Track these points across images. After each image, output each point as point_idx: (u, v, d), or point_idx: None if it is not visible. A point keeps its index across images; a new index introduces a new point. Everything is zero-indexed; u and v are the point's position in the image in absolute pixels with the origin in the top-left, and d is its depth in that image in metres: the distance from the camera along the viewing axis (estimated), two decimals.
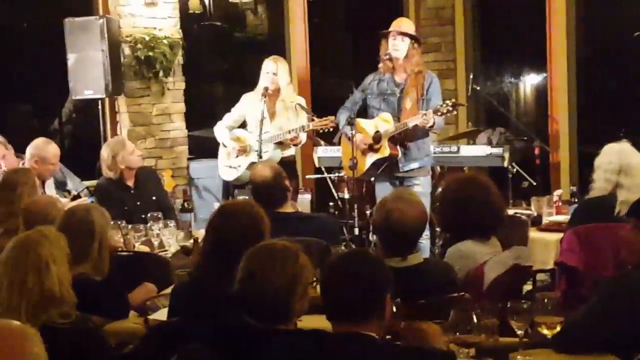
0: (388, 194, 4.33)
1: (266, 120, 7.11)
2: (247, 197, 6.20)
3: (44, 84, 9.51)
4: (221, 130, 7.45)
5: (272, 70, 7.23)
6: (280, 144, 7.25)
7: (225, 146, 7.41)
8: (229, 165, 7.41)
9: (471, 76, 8.76)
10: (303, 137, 7.24)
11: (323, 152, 8.18)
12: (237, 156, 7.36)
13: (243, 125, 7.48)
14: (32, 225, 4.13)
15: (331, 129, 7.07)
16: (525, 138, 8.21)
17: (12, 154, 7.13)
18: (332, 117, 6.93)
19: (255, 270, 3.22)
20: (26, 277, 3.53)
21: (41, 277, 3.54)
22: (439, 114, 6.39)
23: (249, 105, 7.33)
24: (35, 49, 9.60)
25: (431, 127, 6.47)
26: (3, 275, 3.60)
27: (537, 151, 7.95)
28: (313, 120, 7.06)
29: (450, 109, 6.38)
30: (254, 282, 3.20)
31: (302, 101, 7.45)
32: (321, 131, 7.13)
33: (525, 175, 7.66)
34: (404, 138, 6.62)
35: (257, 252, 3.29)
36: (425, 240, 6.65)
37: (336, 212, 8.03)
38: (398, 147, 6.63)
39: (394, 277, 3.29)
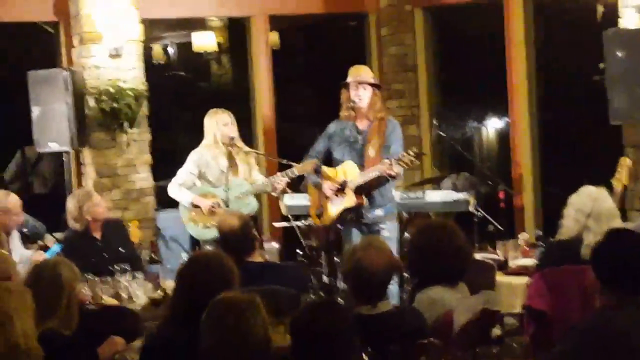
0: (357, 242, 4.36)
1: (230, 172, 7.11)
2: (214, 248, 6.20)
3: (7, 136, 9.49)
4: (182, 190, 7.27)
5: (230, 121, 7.25)
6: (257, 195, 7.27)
7: (196, 206, 7.28)
8: (205, 225, 7.26)
9: (435, 122, 8.83)
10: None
11: (290, 199, 8.17)
12: (211, 214, 7.18)
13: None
14: None
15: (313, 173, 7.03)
16: (490, 182, 8.28)
17: None
18: (315, 161, 6.90)
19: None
20: None
21: (5, 331, 3.53)
22: (401, 163, 6.43)
23: (206, 161, 7.27)
24: None
25: (394, 176, 6.53)
26: None
27: (501, 195, 8.02)
28: (292, 165, 7.04)
29: (413, 159, 6.41)
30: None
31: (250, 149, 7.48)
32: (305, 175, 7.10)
33: (491, 219, 7.71)
34: (368, 186, 6.67)
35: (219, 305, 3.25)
36: (393, 285, 6.68)
37: (305, 260, 8.02)
38: (363, 195, 6.67)
39: (364, 324, 3.31)
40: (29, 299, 3.78)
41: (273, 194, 7.31)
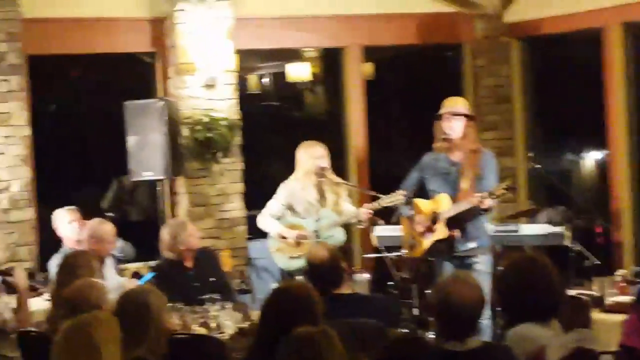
0: (445, 276, 4.28)
1: (319, 203, 7.13)
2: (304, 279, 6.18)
3: (105, 166, 9.66)
4: (270, 221, 7.38)
5: (323, 154, 7.27)
6: (344, 225, 7.26)
7: (284, 237, 7.36)
8: (291, 256, 7.33)
9: (530, 154, 8.70)
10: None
11: (382, 231, 8.12)
12: (297, 245, 7.32)
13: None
14: (74, 312, 4.15)
15: (400, 204, 7.00)
16: (587, 216, 8.10)
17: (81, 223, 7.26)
18: (402, 192, 6.89)
19: None
20: None
21: None
22: (493, 197, 6.37)
23: (294, 192, 7.32)
24: (97, 131, 9.77)
25: (487, 209, 6.45)
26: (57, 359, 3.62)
27: (599, 229, 7.83)
28: (379, 197, 7.04)
29: (504, 192, 6.35)
30: None
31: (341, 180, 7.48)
32: (393, 207, 7.08)
33: (588, 254, 7.54)
34: (460, 218, 6.58)
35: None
36: (486, 321, 6.57)
37: (396, 292, 7.94)
38: (455, 227, 6.60)
39: None
40: (117, 327, 3.79)
41: (359, 226, 7.32)
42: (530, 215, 8.36)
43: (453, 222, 6.59)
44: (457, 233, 6.61)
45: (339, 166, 8.41)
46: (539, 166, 8.61)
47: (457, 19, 9.35)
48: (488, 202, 6.39)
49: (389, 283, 8.06)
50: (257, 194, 8.74)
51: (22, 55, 7.76)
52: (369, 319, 4.90)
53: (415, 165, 7.00)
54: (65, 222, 7.26)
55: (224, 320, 5.68)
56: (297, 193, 7.30)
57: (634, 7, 8.18)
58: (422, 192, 6.93)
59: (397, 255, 7.86)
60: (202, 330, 5.55)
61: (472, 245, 6.66)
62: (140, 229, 9.34)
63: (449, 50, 9.88)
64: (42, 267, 7.49)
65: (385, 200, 6.98)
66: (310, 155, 7.26)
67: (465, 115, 6.77)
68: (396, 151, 10.68)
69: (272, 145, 10.82)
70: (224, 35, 8.23)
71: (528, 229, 7.84)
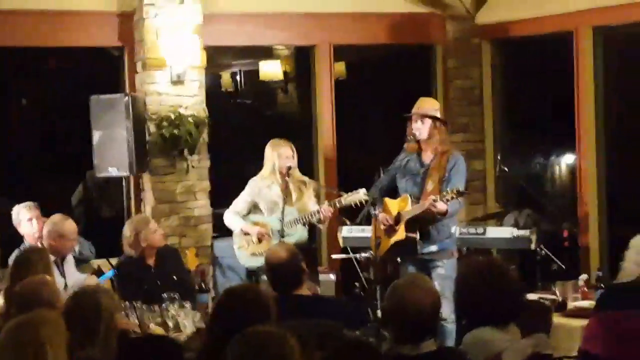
0: (399, 280, 4.24)
1: (284, 201, 7.08)
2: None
3: (70, 160, 9.57)
4: (234, 218, 7.37)
5: (290, 153, 7.23)
6: (307, 224, 7.21)
7: (246, 234, 7.34)
8: (252, 253, 7.31)
9: (499, 157, 8.69)
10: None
11: (348, 231, 8.09)
12: (260, 242, 7.27)
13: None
14: (24, 308, 4.08)
15: (363, 202, 6.96)
16: (554, 220, 8.09)
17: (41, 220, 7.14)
18: (363, 191, 6.87)
19: None
20: None
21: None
22: (444, 200, 6.36)
23: (259, 190, 7.29)
24: (62, 125, 9.68)
25: (442, 213, 6.41)
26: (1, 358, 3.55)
27: (566, 234, 7.83)
28: (341, 195, 7.02)
29: (454, 196, 6.33)
30: None
31: (307, 179, 7.43)
32: (353, 206, 7.05)
33: (554, 258, 7.52)
34: (419, 220, 6.55)
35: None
36: (450, 325, 6.54)
37: (362, 293, 7.91)
38: (415, 229, 6.56)
39: None
40: (63, 327, 3.73)
41: (320, 225, 7.29)
42: (497, 218, 8.34)
43: (413, 224, 6.56)
44: (415, 235, 6.57)
45: (308, 165, 8.37)
46: (507, 169, 8.59)
47: (428, 19, 9.30)
48: (440, 205, 6.37)
49: (356, 284, 8.03)
50: (228, 192, 8.68)
51: None
52: (325, 320, 4.85)
53: (388, 166, 6.97)
54: (25, 218, 7.15)
55: (183, 320, 5.61)
56: (262, 191, 7.28)
57: (604, 11, 8.15)
58: (395, 192, 6.90)
59: (364, 256, 7.84)
60: (160, 330, 5.48)
61: (433, 248, 6.63)
62: (107, 225, 9.25)
63: (420, 50, 9.84)
64: (4, 263, 7.38)
65: (347, 199, 6.95)
66: (277, 154, 7.22)
67: (433, 117, 6.74)
68: (368, 151, 10.64)
69: (243, 144, 10.76)
70: (191, 31, 8.13)
71: (494, 232, 7.83)
